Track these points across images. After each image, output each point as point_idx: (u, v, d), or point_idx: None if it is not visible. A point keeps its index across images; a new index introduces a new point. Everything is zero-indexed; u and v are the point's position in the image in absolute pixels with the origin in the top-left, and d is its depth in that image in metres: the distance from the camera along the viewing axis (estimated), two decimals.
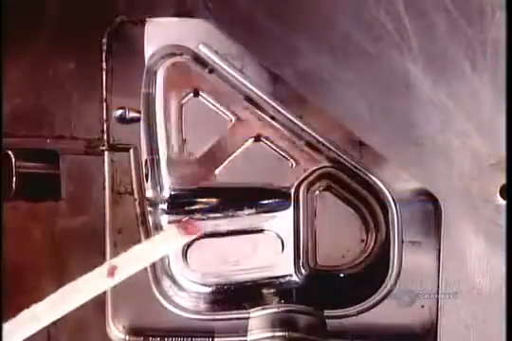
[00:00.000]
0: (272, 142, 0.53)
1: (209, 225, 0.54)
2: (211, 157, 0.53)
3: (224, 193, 0.53)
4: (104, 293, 0.52)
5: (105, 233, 0.54)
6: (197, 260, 0.54)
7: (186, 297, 0.54)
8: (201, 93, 0.53)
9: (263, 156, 0.53)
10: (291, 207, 0.54)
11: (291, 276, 0.55)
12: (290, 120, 0.53)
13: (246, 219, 0.54)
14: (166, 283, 0.54)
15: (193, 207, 0.53)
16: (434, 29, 0.46)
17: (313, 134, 0.53)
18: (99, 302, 0.51)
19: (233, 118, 0.53)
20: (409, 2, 0.45)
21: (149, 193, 0.53)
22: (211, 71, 0.53)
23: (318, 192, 0.55)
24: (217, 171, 0.53)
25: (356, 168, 0.53)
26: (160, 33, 0.52)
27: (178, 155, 0.53)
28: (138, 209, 0.54)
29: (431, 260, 0.52)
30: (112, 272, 0.46)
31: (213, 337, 0.54)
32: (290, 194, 0.54)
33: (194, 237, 0.53)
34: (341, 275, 0.55)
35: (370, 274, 0.54)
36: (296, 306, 0.53)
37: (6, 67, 0.51)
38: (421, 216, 0.53)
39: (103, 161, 0.53)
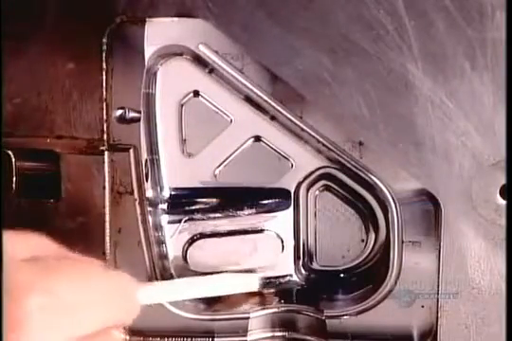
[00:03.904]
0: (272, 142, 0.53)
1: (209, 225, 0.54)
2: (211, 157, 0.53)
3: (224, 193, 0.53)
4: None
5: (105, 233, 0.54)
6: (197, 260, 0.54)
7: None
8: (201, 93, 0.53)
9: (263, 156, 0.53)
10: (291, 207, 0.54)
11: (291, 276, 0.55)
12: (290, 120, 0.53)
13: (246, 219, 0.54)
14: None
15: (193, 207, 0.53)
16: (434, 29, 0.46)
17: (313, 134, 0.53)
18: None
19: (233, 118, 0.53)
20: (409, 2, 0.45)
21: (149, 193, 0.53)
22: (211, 71, 0.53)
23: (318, 192, 0.55)
24: (217, 171, 0.53)
25: (356, 168, 0.53)
26: (160, 33, 0.52)
27: (178, 155, 0.53)
28: (138, 209, 0.54)
29: (431, 260, 0.52)
30: None
31: (213, 337, 0.54)
32: (290, 194, 0.54)
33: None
34: (341, 275, 0.55)
35: (370, 274, 0.54)
36: (296, 306, 0.53)
37: (6, 67, 0.51)
38: (421, 216, 0.53)
39: (103, 161, 0.54)
